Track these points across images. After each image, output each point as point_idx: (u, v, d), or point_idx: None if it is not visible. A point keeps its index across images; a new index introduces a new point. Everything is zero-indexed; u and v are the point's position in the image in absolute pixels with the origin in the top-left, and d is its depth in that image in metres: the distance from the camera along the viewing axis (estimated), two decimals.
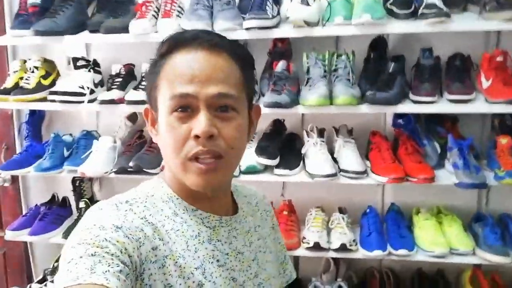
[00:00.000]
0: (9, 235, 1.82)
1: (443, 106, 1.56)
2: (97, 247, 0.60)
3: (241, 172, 1.70)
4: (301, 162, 1.73)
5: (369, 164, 1.72)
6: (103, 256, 0.59)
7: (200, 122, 0.68)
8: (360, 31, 1.50)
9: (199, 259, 0.73)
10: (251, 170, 1.69)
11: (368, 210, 1.77)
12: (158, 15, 1.66)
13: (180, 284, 0.69)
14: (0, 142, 2.07)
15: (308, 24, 1.49)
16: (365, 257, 1.65)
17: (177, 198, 0.76)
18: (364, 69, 1.70)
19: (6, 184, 2.08)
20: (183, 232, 0.73)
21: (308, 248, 1.67)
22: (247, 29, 1.54)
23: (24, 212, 2.08)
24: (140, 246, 0.66)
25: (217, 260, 0.75)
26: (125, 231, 0.65)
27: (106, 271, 0.58)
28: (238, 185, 0.95)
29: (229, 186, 0.84)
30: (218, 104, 0.71)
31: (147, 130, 1.95)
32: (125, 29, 1.62)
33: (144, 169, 1.67)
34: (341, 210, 1.83)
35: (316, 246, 1.64)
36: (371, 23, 1.45)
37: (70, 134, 1.93)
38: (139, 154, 1.73)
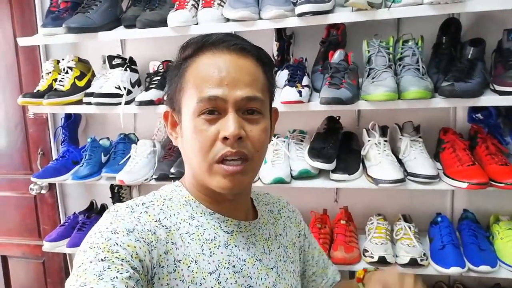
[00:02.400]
0: (47, 246, 1.73)
1: None
2: (108, 251, 0.60)
3: (293, 178, 1.52)
4: (361, 165, 1.53)
5: (439, 166, 1.49)
6: (113, 262, 0.59)
7: (229, 124, 0.68)
8: (433, 11, 1.28)
9: (214, 263, 0.72)
10: (304, 175, 1.51)
11: (439, 219, 1.55)
12: (198, 5, 1.50)
13: None
14: (35, 148, 1.99)
15: (372, 6, 1.28)
16: (439, 274, 1.43)
17: (194, 202, 0.76)
18: (433, 56, 1.47)
19: (43, 192, 2.00)
20: (198, 235, 0.73)
21: (371, 263, 1.47)
22: (299, 15, 1.34)
23: (62, 220, 2.00)
24: (152, 250, 0.65)
25: (233, 266, 0.74)
26: (136, 234, 0.65)
27: (114, 278, 0.57)
28: (260, 193, 0.94)
29: (250, 190, 0.84)
30: (246, 107, 0.71)
31: None
32: (163, 23, 1.47)
33: None
34: (406, 218, 1.62)
35: (381, 261, 1.44)
36: (449, 1, 1.22)
37: (108, 138, 1.81)
38: (181, 159, 1.58)
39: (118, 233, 0.64)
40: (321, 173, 1.55)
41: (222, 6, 1.49)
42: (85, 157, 1.67)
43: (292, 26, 1.40)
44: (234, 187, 0.71)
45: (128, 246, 0.62)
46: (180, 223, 0.72)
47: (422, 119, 1.60)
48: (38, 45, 1.86)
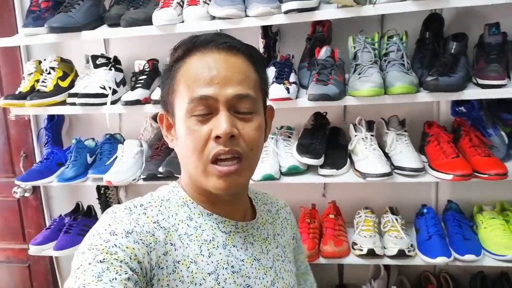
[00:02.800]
0: (33, 250, 1.70)
1: None
2: (106, 253, 0.61)
3: (282, 174, 1.53)
4: (348, 160, 1.55)
5: (425, 159, 1.52)
6: (112, 263, 0.60)
7: (221, 123, 0.68)
8: (417, 7, 1.30)
9: (212, 264, 0.72)
10: (293, 171, 1.52)
11: (425, 210, 1.59)
12: (183, 3, 1.48)
13: None
14: (18, 150, 1.95)
15: (358, 2, 1.30)
16: (426, 264, 1.47)
17: (192, 203, 0.76)
18: (417, 51, 1.50)
19: (27, 194, 1.96)
20: (197, 236, 0.73)
21: (360, 256, 1.50)
22: (286, 12, 1.35)
23: (47, 222, 1.97)
24: (150, 251, 0.66)
25: (232, 266, 0.74)
26: (135, 236, 0.65)
27: (113, 279, 0.58)
28: (259, 193, 0.94)
29: (247, 190, 0.84)
30: (238, 105, 0.71)
31: None
32: (147, 21, 1.46)
33: (175, 175, 1.51)
34: (392, 211, 1.65)
35: (370, 253, 1.47)
36: None
37: (93, 139, 1.79)
38: (169, 158, 1.57)
39: (116, 234, 0.64)
40: (309, 168, 1.56)
41: (208, 4, 1.48)
42: (70, 159, 1.65)
43: (279, 23, 1.41)
44: (229, 188, 0.71)
45: (127, 247, 0.63)
46: (178, 224, 0.73)
47: (407, 113, 1.63)
48: (19, 46, 1.81)
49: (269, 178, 1.47)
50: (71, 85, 1.66)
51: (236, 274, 0.74)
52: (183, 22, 1.45)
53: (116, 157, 1.64)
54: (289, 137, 1.64)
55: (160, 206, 0.74)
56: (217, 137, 0.68)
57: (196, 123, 0.70)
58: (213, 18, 1.46)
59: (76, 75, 1.72)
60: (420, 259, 1.48)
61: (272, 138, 1.60)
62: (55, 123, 1.83)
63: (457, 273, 1.74)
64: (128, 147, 1.64)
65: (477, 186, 1.65)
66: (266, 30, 1.60)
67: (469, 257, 1.41)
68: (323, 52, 1.44)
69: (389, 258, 1.49)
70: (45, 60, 1.67)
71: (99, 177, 1.60)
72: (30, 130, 1.92)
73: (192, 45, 0.73)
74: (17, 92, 1.63)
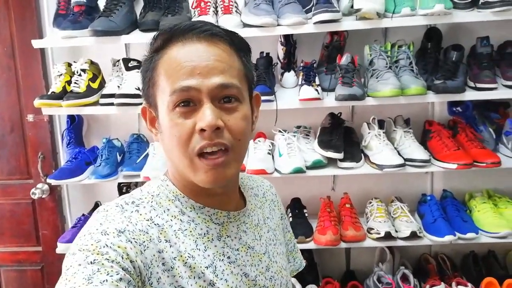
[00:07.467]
0: (62, 247, 1.72)
1: (502, 92, 1.62)
2: (97, 254, 0.59)
3: (307, 168, 1.69)
4: (362, 155, 1.74)
5: (427, 153, 1.75)
6: (103, 264, 0.58)
7: (205, 115, 0.66)
8: (426, 21, 1.53)
9: (209, 257, 0.72)
10: (317, 165, 1.68)
11: (428, 198, 1.81)
12: (217, 11, 1.62)
13: (191, 285, 0.68)
14: (35, 152, 1.95)
15: (379, 15, 1.50)
16: (434, 243, 1.69)
17: (183, 197, 0.75)
18: (420, 60, 1.73)
19: (44, 196, 1.97)
20: (191, 231, 0.72)
21: (377, 239, 1.68)
22: (316, 22, 1.52)
23: (70, 223, 1.98)
24: (144, 250, 0.64)
25: (228, 257, 0.75)
26: (127, 235, 0.64)
27: (104, 281, 0.56)
28: (244, 177, 0.93)
29: (237, 180, 0.82)
30: (222, 95, 0.69)
31: None
32: None
33: None
34: (398, 200, 1.86)
35: (387, 236, 1.66)
36: (442, 13, 1.48)
37: (117, 139, 1.85)
38: None
39: (108, 234, 0.62)
40: (329, 162, 1.74)
41: (238, 13, 1.63)
42: (102, 157, 1.71)
43: (308, 32, 1.57)
44: (217, 181, 0.70)
45: (119, 247, 0.61)
46: (171, 220, 0.72)
47: (406, 114, 1.85)
48: (41, 49, 1.84)
49: (298, 171, 1.62)
50: (100, 86, 1.73)
51: (232, 264, 0.74)
52: None
53: (147, 154, 1.72)
54: (307, 135, 1.80)
55: (152, 202, 0.73)
56: (202, 130, 0.66)
57: (179, 116, 0.68)
58: (245, 26, 1.60)
59: (103, 78, 1.79)
60: (429, 240, 1.68)
61: (294, 136, 1.76)
62: (76, 124, 1.87)
63: (451, 254, 1.98)
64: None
65: (465, 177, 1.91)
66: (288, 39, 1.76)
67: (470, 235, 1.64)
68: (344, 59, 1.63)
69: (402, 240, 1.69)
70: (75, 62, 1.72)
71: (133, 174, 1.67)
72: (48, 131, 1.93)
73: (171, 34, 0.70)
74: (50, 93, 1.66)
